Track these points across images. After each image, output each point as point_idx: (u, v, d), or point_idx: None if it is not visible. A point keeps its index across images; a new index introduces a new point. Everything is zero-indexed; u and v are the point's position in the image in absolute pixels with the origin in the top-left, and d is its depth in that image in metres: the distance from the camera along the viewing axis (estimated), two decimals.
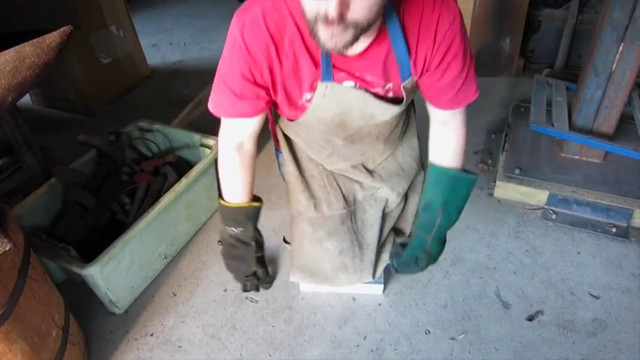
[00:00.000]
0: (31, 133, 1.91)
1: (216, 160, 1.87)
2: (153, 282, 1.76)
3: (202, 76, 3.16)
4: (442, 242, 1.32)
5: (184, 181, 1.72)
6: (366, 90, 1.05)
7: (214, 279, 1.77)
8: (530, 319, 1.59)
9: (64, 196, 1.75)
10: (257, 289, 1.29)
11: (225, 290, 1.73)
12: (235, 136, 1.14)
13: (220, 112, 1.07)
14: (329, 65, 1.00)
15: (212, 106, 1.08)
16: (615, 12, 1.71)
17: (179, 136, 2.03)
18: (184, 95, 2.95)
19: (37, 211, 1.70)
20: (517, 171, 2.02)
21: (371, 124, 1.18)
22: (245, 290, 1.28)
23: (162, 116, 2.70)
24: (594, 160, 2.06)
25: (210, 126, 2.57)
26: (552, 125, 1.97)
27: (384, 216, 1.47)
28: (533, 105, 2.10)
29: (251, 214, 1.23)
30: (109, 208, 1.82)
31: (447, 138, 1.21)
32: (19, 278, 1.19)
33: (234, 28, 0.97)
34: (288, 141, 1.40)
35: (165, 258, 1.80)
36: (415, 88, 1.12)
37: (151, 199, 1.81)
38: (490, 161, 2.23)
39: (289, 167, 1.40)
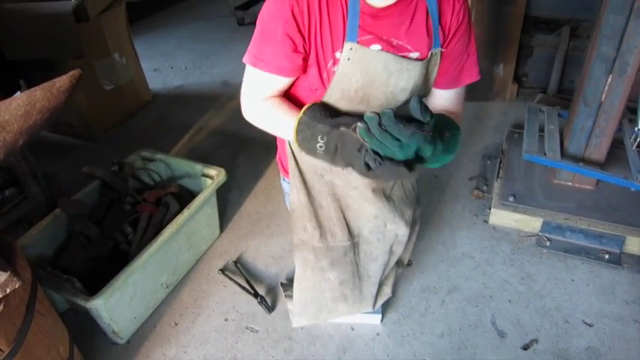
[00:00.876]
0: (35, 158, 1.96)
1: (217, 191, 1.92)
2: (155, 311, 1.79)
3: (203, 102, 3.22)
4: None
5: (186, 213, 1.76)
6: (392, 53, 1.03)
7: (215, 308, 1.80)
8: (526, 348, 1.62)
9: (69, 227, 1.79)
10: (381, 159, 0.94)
11: (225, 320, 1.76)
12: (264, 91, 1.12)
13: (260, 64, 1.05)
14: (355, 24, 1.00)
15: (250, 59, 1.07)
16: (603, 46, 1.77)
17: (181, 165, 2.07)
18: (185, 121, 3.00)
19: (41, 241, 1.74)
20: (511, 198, 2.06)
21: (393, 102, 1.13)
22: (371, 166, 0.94)
23: (164, 142, 2.76)
24: (587, 187, 2.11)
25: (210, 153, 2.65)
26: (545, 154, 2.02)
27: (391, 252, 1.50)
28: (526, 134, 2.15)
29: (314, 111, 1.08)
30: (112, 237, 1.85)
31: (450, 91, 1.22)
32: (27, 314, 1.22)
33: None
34: (299, 168, 1.39)
35: (167, 287, 1.83)
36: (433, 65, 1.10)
37: (154, 229, 1.85)
38: (485, 188, 2.28)
39: (298, 195, 1.37)
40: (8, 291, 1.12)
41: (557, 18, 2.86)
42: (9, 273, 1.11)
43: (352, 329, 1.69)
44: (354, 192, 1.37)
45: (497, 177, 2.23)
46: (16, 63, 2.49)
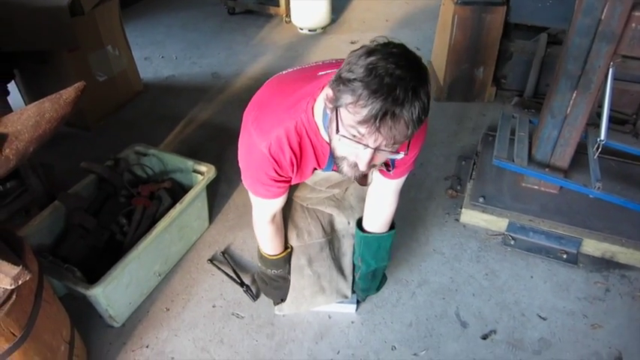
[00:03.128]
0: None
1: (207, 186, 2.05)
2: (147, 298, 1.93)
3: (193, 94, 3.31)
4: (371, 279, 1.72)
5: (179, 207, 1.89)
6: None
7: (204, 295, 1.95)
8: (485, 337, 1.80)
9: (68, 219, 1.91)
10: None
11: (213, 306, 1.91)
12: (269, 212, 1.46)
13: (259, 197, 1.39)
14: (331, 164, 1.30)
15: (250, 191, 1.40)
16: (569, 64, 1.91)
17: (173, 160, 2.19)
18: (176, 112, 3.10)
19: (42, 231, 1.85)
20: (481, 199, 2.23)
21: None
22: (276, 304, 1.81)
23: (155, 133, 2.86)
24: (551, 191, 2.28)
25: (200, 145, 2.76)
26: (513, 160, 2.18)
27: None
28: (498, 140, 2.30)
29: (287, 258, 1.66)
30: (108, 228, 1.97)
31: (380, 210, 1.55)
32: (35, 302, 1.35)
33: (259, 146, 1.22)
34: None
35: (160, 276, 1.97)
36: None
37: (148, 221, 1.98)
38: (459, 187, 2.44)
39: None
40: (20, 282, 1.24)
41: (536, 25, 2.99)
42: (21, 267, 1.24)
43: (329, 317, 1.86)
44: (314, 199, 1.68)
45: (470, 178, 2.39)
46: (11, 53, 2.56)
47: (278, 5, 4.31)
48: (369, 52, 0.97)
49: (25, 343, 1.31)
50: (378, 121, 0.94)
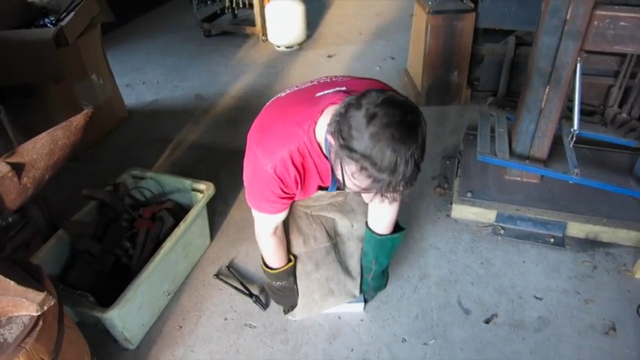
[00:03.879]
0: None
1: (209, 203, 2.11)
2: (159, 318, 1.96)
3: (178, 116, 3.37)
4: (381, 277, 1.84)
5: (183, 225, 1.94)
6: None
7: (214, 310, 2.00)
8: (487, 321, 1.89)
9: (73, 246, 1.94)
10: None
11: (225, 319, 1.95)
12: (272, 226, 1.53)
13: (264, 212, 1.47)
14: (334, 185, 1.43)
15: (256, 208, 1.47)
16: (540, 62, 2.05)
17: (171, 181, 2.24)
18: (163, 136, 3.15)
19: (48, 262, 1.87)
20: (469, 194, 2.34)
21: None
22: (286, 313, 1.89)
23: (145, 157, 2.90)
24: (533, 181, 2.41)
25: (192, 166, 2.82)
26: (496, 155, 2.31)
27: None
28: (479, 137, 2.43)
29: (290, 270, 1.70)
30: (113, 253, 2.01)
31: (383, 214, 1.64)
32: (59, 328, 1.39)
33: (265, 167, 1.30)
34: None
35: (169, 295, 2.01)
36: None
37: (152, 242, 2.02)
38: (446, 185, 2.56)
39: None
40: (45, 308, 1.28)
41: (504, 29, 3.16)
42: (45, 293, 1.28)
43: (339, 318, 1.92)
44: (317, 206, 1.77)
45: (457, 175, 2.51)
46: (1, 90, 2.59)
47: (254, 25, 4.42)
48: (370, 117, 1.04)
49: None
50: (382, 190, 1.08)
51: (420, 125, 1.08)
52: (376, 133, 1.03)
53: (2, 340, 1.23)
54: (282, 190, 1.35)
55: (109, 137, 3.17)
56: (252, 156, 1.38)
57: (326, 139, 1.22)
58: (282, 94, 1.51)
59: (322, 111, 1.28)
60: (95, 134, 3.10)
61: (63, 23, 2.65)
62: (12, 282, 1.26)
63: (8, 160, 1.26)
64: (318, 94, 1.36)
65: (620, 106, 2.89)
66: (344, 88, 1.36)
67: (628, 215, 2.19)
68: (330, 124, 1.14)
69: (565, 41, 1.93)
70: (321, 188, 1.50)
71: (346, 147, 1.06)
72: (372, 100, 1.06)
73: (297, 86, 1.51)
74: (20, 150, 1.30)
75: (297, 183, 1.34)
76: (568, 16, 1.86)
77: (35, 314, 1.27)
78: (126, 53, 4.42)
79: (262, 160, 1.31)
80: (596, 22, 1.86)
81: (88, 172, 2.84)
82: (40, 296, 1.27)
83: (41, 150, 1.32)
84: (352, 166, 1.08)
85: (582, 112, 2.81)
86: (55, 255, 1.91)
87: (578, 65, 2.00)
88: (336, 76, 1.51)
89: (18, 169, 1.26)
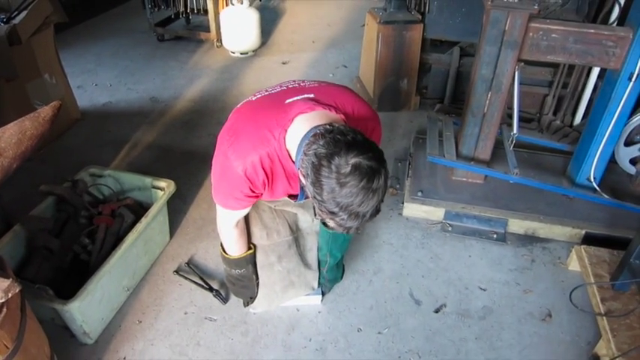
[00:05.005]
0: None
1: (168, 201, 2.14)
2: (118, 312, 1.97)
3: (134, 118, 3.35)
4: (336, 270, 1.97)
5: (144, 221, 1.96)
6: None
7: (174, 304, 2.02)
8: (437, 311, 2.02)
9: (30, 242, 1.92)
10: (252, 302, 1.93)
11: (185, 313, 1.98)
12: (235, 219, 1.61)
13: (229, 209, 1.53)
14: (302, 195, 1.53)
15: (222, 205, 1.53)
16: (483, 69, 2.23)
17: (130, 179, 2.25)
18: (118, 137, 3.13)
19: (3, 257, 1.84)
20: (419, 193, 2.49)
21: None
22: (246, 305, 1.95)
23: (100, 158, 2.88)
24: (477, 181, 2.59)
25: (149, 166, 2.82)
26: (444, 156, 2.47)
27: None
28: (428, 140, 2.59)
29: (249, 258, 1.78)
30: (71, 249, 2.00)
31: None
32: (22, 316, 1.39)
33: (236, 168, 1.36)
34: None
35: (128, 290, 2.02)
36: None
37: (112, 238, 2.03)
38: (398, 186, 2.70)
39: None
40: (10, 295, 1.29)
41: (449, 40, 3.38)
42: (11, 280, 1.28)
43: (297, 310, 2.00)
44: (281, 201, 1.82)
45: (407, 176, 2.65)
46: None
47: (209, 31, 4.45)
48: (341, 185, 1.12)
49: (16, 356, 1.34)
50: (346, 229, 1.21)
51: (382, 187, 1.17)
52: (346, 203, 1.13)
53: None
54: (251, 190, 1.41)
55: (62, 138, 3.12)
56: (222, 157, 1.43)
57: (298, 150, 1.28)
58: (253, 98, 1.54)
59: (292, 119, 1.34)
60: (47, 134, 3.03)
61: (15, 21, 2.61)
62: None
63: None
64: (288, 101, 1.41)
65: (555, 113, 3.16)
66: (312, 95, 1.42)
67: (562, 212, 2.40)
68: (302, 165, 1.21)
69: (504, 50, 2.12)
70: (290, 196, 1.58)
71: (317, 200, 1.18)
72: (343, 163, 1.13)
73: (266, 90, 1.55)
74: None
75: (264, 185, 1.41)
76: (506, 27, 2.05)
77: (0, 301, 1.27)
78: (76, 55, 4.33)
79: (234, 161, 1.37)
80: (531, 34, 2.06)
81: (39, 171, 2.78)
82: (5, 283, 1.27)
83: (9, 139, 1.32)
84: (321, 212, 1.21)
85: (521, 119, 3.06)
86: (9, 251, 1.87)
87: (516, 73, 2.19)
88: (304, 81, 1.56)
89: None
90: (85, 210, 2.10)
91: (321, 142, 1.16)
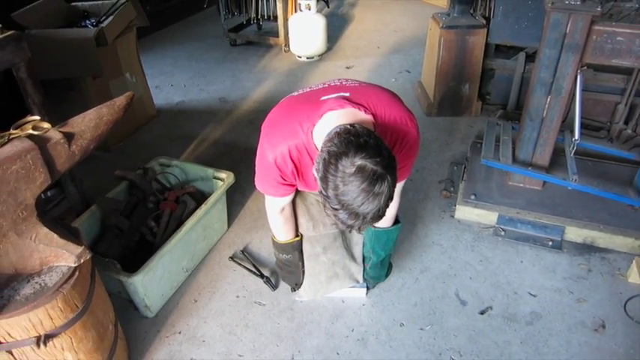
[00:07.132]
0: None
1: (228, 193, 2.28)
2: (177, 291, 2.13)
3: (203, 116, 3.58)
4: (380, 268, 1.97)
5: (204, 208, 2.12)
6: None
7: (228, 288, 2.15)
8: (482, 312, 2.01)
9: (104, 221, 2.13)
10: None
11: (237, 296, 2.11)
12: (278, 206, 1.71)
13: (269, 195, 1.65)
14: None
15: (262, 190, 1.63)
16: (542, 73, 2.20)
17: (194, 170, 2.43)
18: (188, 133, 3.36)
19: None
20: (473, 197, 2.47)
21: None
22: (293, 291, 2.05)
23: (170, 152, 3.10)
24: (535, 187, 2.53)
25: (214, 160, 3.01)
26: (499, 160, 2.44)
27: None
28: (485, 144, 2.57)
29: (296, 245, 1.86)
30: (139, 230, 2.19)
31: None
32: (92, 281, 1.56)
33: (268, 157, 1.46)
34: None
35: (187, 271, 2.18)
36: None
37: (175, 222, 2.20)
38: (452, 189, 2.69)
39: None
40: (82, 261, 1.46)
41: (515, 46, 3.32)
42: (83, 247, 1.46)
43: (343, 301, 2.06)
44: None
45: (462, 180, 2.64)
46: (41, 82, 2.82)
47: (277, 36, 4.65)
48: (345, 183, 1.17)
49: (85, 315, 1.51)
50: (347, 226, 1.26)
51: (385, 193, 1.20)
52: (347, 202, 1.19)
53: (43, 285, 1.40)
54: (282, 178, 1.51)
55: (138, 132, 3.39)
56: (260, 145, 1.54)
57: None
58: (295, 94, 1.65)
59: (322, 115, 1.41)
60: (126, 129, 3.32)
61: (103, 25, 2.90)
62: (55, 235, 1.44)
63: (61, 130, 1.44)
64: (323, 98, 1.48)
65: (626, 122, 3.01)
66: (347, 94, 1.47)
67: (625, 223, 2.29)
68: (317, 160, 1.27)
69: (565, 53, 2.08)
70: None
71: (323, 195, 1.25)
72: (349, 163, 1.17)
73: (310, 87, 1.65)
74: (71, 122, 1.49)
75: (294, 174, 1.50)
76: (567, 30, 2.01)
77: (73, 265, 1.45)
78: (156, 58, 4.68)
79: (267, 150, 1.47)
80: (594, 37, 2.01)
81: (117, 162, 3.05)
82: (78, 249, 1.45)
83: (89, 123, 1.51)
84: (332, 218, 1.28)
85: (589, 128, 2.95)
86: (86, 228, 2.09)
87: (579, 77, 2.14)
88: (347, 80, 1.63)
89: (69, 137, 1.44)
90: (152, 195, 2.29)
91: (335, 141, 1.22)
